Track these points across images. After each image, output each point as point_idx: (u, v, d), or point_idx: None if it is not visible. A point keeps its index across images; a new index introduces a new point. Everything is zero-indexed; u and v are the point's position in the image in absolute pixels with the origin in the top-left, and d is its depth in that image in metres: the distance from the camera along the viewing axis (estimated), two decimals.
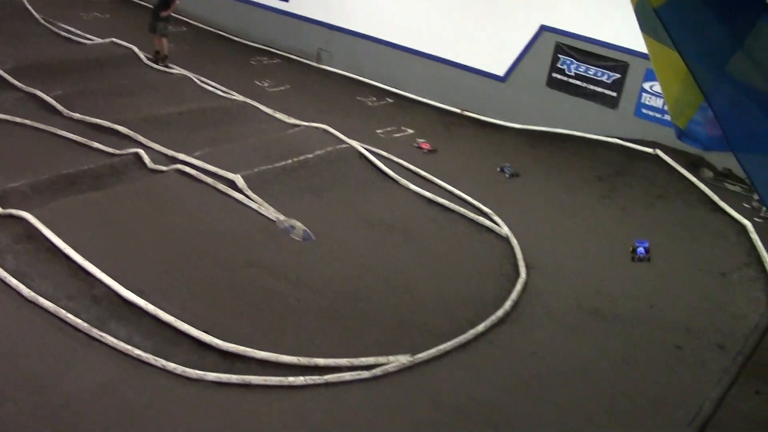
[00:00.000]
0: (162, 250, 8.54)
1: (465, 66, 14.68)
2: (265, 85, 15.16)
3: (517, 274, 9.22)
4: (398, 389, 7.02)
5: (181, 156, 10.65)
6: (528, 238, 10.03)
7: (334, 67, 16.53)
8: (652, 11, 4.05)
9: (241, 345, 7.08)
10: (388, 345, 7.57)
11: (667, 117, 11.03)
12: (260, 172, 10.50)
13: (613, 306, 8.72)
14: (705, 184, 11.55)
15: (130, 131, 11.35)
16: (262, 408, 6.54)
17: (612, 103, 13.15)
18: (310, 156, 11.27)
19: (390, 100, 15.22)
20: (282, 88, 15.14)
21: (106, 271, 7.71)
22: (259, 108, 13.45)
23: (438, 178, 11.52)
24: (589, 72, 13.25)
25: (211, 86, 14.26)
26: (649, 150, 12.43)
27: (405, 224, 10.20)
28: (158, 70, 14.69)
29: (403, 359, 7.31)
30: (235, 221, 9.47)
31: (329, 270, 8.85)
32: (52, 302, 7.30)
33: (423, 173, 11.66)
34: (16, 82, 12.66)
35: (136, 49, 15.14)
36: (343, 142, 12.06)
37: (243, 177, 10.16)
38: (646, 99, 12.72)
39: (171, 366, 6.77)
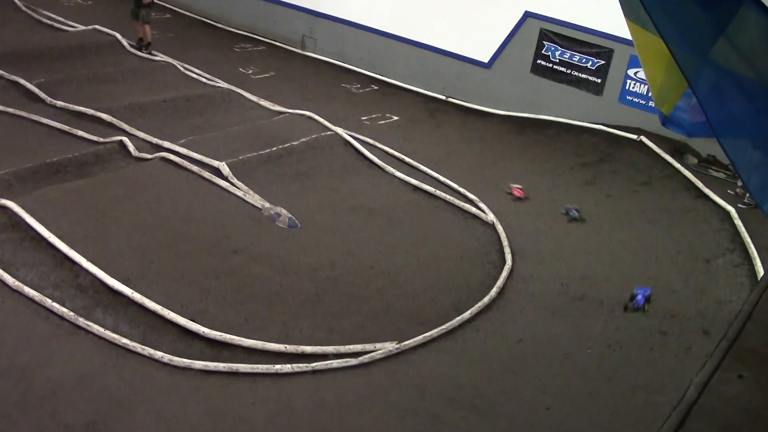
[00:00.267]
0: (147, 239, 8.51)
1: (450, 52, 14.67)
2: (250, 72, 15.08)
3: (503, 261, 9.25)
4: (385, 376, 7.05)
5: (166, 144, 10.61)
6: (513, 225, 10.06)
7: (318, 54, 16.47)
8: None
9: (227, 333, 7.09)
10: (374, 331, 7.60)
11: (652, 103, 11.08)
12: (245, 160, 10.48)
13: (598, 292, 8.77)
14: (689, 171, 11.60)
15: (113, 119, 11.28)
16: (249, 396, 6.54)
17: (596, 89, 13.19)
18: (295, 143, 11.25)
19: (375, 87, 15.19)
20: (266, 75, 15.08)
21: (91, 259, 7.69)
22: (243, 95, 13.40)
23: (423, 165, 11.52)
24: (574, 58, 13.28)
25: (196, 73, 14.17)
26: (634, 136, 12.47)
27: (390, 211, 10.21)
28: (142, 58, 14.57)
29: (390, 346, 7.33)
30: (220, 209, 9.44)
31: (315, 257, 8.85)
32: (37, 291, 7.28)
33: (408, 160, 11.66)
34: None
35: (119, 36, 15.01)
36: (328, 129, 12.05)
37: (228, 164, 10.13)
38: (631, 85, 12.76)
39: (158, 354, 6.77)
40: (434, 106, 14.46)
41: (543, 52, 13.61)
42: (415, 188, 10.91)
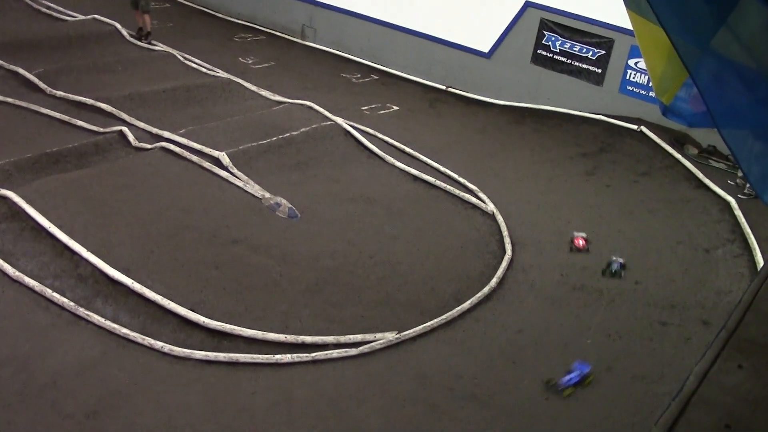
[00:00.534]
0: (147, 229, 8.51)
1: (450, 42, 14.64)
2: (249, 62, 15.06)
3: (503, 251, 9.26)
4: (385, 366, 7.06)
5: (166, 134, 10.60)
6: (514, 215, 10.06)
7: (318, 44, 16.46)
8: None
9: (227, 322, 7.10)
10: (374, 321, 7.61)
11: (652, 94, 11.07)
12: (245, 150, 10.47)
13: (598, 282, 8.77)
14: (689, 161, 11.60)
15: (113, 109, 11.27)
16: (249, 386, 6.56)
17: (597, 79, 13.16)
18: (295, 133, 11.23)
19: (375, 77, 15.17)
20: (266, 65, 15.05)
21: (91, 249, 7.70)
22: (243, 85, 13.38)
23: (423, 155, 11.52)
24: (574, 48, 13.24)
25: (195, 63, 14.16)
26: (634, 127, 12.46)
27: (390, 201, 10.20)
28: (141, 47, 14.56)
29: (390, 336, 7.35)
30: (220, 199, 9.44)
31: (315, 247, 8.85)
32: (37, 281, 7.29)
33: (408, 150, 11.65)
34: None
35: (118, 25, 15.01)
36: (328, 119, 12.03)
37: (228, 154, 10.13)
38: (631, 75, 12.73)
39: (158, 344, 6.79)
40: (434, 96, 14.44)
41: (543, 42, 13.57)
42: (415, 178, 10.90)
